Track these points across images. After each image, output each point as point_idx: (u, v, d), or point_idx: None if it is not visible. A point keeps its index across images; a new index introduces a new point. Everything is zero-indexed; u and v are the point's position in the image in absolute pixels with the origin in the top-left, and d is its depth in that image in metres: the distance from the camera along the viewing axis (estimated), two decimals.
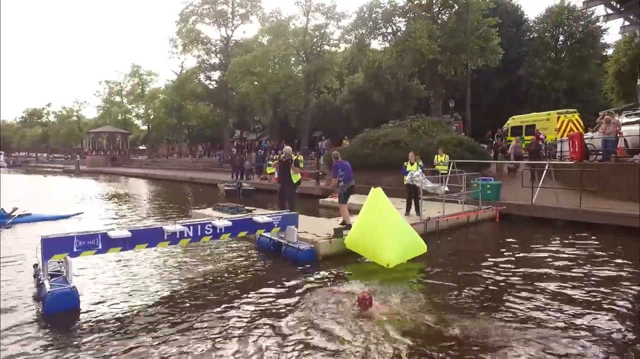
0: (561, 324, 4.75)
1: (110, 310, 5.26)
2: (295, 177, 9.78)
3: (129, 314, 5.15)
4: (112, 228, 6.01)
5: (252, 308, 5.31)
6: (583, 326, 4.71)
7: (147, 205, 17.87)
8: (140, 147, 72.79)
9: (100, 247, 5.71)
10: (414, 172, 10.61)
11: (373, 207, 7.13)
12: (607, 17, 13.88)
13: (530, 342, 4.26)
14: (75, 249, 5.55)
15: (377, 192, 7.26)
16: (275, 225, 7.42)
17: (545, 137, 19.74)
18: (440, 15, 23.74)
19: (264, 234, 8.08)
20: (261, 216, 7.34)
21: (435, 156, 14.54)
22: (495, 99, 36.47)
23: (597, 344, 4.28)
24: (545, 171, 12.27)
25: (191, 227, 6.45)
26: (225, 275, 6.71)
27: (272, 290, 5.94)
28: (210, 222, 6.66)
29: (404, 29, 24.17)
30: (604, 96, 35.61)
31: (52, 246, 5.42)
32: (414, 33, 20.23)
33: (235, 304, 5.43)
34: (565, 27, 39.14)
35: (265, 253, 8.01)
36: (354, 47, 27.39)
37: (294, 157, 9.57)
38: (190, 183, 28.41)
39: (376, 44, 26.93)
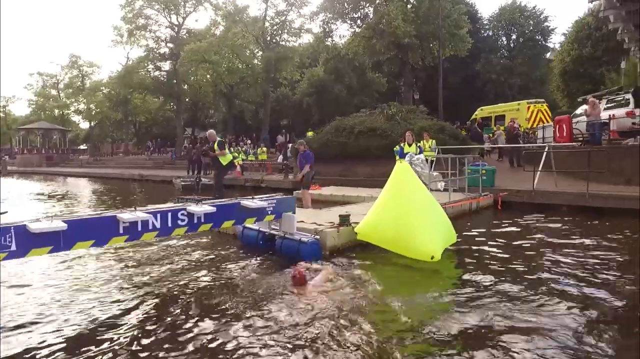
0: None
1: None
2: (225, 159, 9.28)
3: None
4: (37, 219, 4.03)
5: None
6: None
7: (92, 203, 15.31)
8: (81, 147, 66.65)
9: (14, 248, 3.67)
10: (413, 154, 9.25)
11: (400, 188, 5.55)
12: (604, 11, 13.47)
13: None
14: None
15: (403, 169, 5.71)
16: (269, 212, 5.69)
17: (520, 125, 19.40)
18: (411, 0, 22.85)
19: (250, 225, 6.34)
20: (251, 200, 5.58)
21: (422, 142, 13.37)
22: (455, 92, 36.61)
23: None
24: (544, 154, 11.43)
25: (158, 216, 4.58)
26: (212, 285, 4.91)
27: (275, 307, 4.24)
28: (184, 209, 4.83)
29: (372, 15, 23.04)
30: (552, 93, 36.93)
31: None
32: (388, 15, 19.10)
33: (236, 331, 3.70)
34: (518, 26, 40.27)
35: (252, 251, 6.25)
36: (320, 33, 25.89)
37: (216, 141, 9.21)
38: (140, 181, 25.56)
39: (343, 30, 25.77)
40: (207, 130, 10.85)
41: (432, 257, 4.97)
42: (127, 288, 4.79)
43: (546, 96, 37.54)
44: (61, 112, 53.99)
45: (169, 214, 4.67)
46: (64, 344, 3.44)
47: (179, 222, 4.76)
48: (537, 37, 39.59)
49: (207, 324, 3.73)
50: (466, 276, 4.96)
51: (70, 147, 57.54)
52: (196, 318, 3.88)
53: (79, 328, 3.75)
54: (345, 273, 5.04)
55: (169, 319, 3.91)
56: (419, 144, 9.87)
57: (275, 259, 5.74)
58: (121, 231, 4.31)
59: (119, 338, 3.52)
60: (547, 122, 19.38)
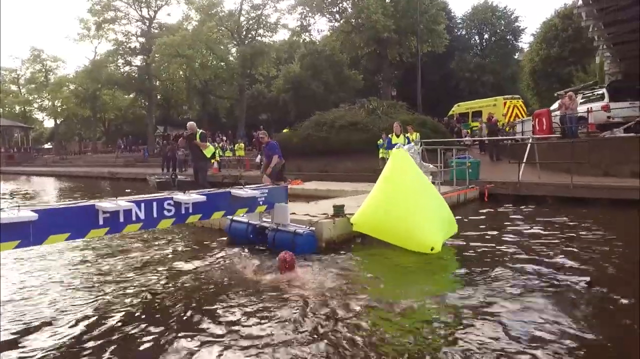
0: None
1: None
2: (208, 151, 9.09)
3: None
4: (2, 208, 3.52)
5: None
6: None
7: (59, 200, 14.40)
8: (46, 146, 63.45)
9: None
10: (403, 145, 9.02)
11: (398, 176, 5.25)
12: (578, 8, 13.82)
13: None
14: None
15: (400, 156, 5.43)
16: (261, 202, 5.32)
17: (498, 120, 19.63)
18: None
19: (238, 218, 5.95)
20: (242, 189, 5.18)
21: (407, 134, 13.25)
22: (433, 90, 36.97)
23: None
24: (528, 147, 11.51)
25: (142, 205, 4.13)
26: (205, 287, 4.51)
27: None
28: (171, 198, 4.39)
29: (350, 9, 22.86)
30: (523, 91, 37.94)
31: None
32: (367, 9, 18.95)
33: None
34: (490, 25, 41.13)
35: (241, 244, 5.83)
36: (297, 27, 25.53)
37: (198, 132, 8.72)
38: (110, 179, 24.48)
39: (321, 24, 25.48)
40: (183, 127, 10.40)
41: (432, 249, 4.71)
42: (107, 282, 4.33)
43: (518, 94, 38.56)
44: (22, 108, 51.26)
45: (154, 204, 4.22)
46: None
47: (165, 212, 4.32)
48: (508, 36, 40.56)
49: (195, 322, 3.35)
50: (464, 265, 4.78)
51: (34, 146, 54.85)
52: (185, 315, 3.49)
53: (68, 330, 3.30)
54: (341, 262, 4.75)
55: (154, 315, 3.51)
56: (406, 135, 9.69)
57: (266, 251, 5.38)
58: (101, 222, 3.84)
59: (97, 335, 3.10)
60: (523, 117, 19.73)
